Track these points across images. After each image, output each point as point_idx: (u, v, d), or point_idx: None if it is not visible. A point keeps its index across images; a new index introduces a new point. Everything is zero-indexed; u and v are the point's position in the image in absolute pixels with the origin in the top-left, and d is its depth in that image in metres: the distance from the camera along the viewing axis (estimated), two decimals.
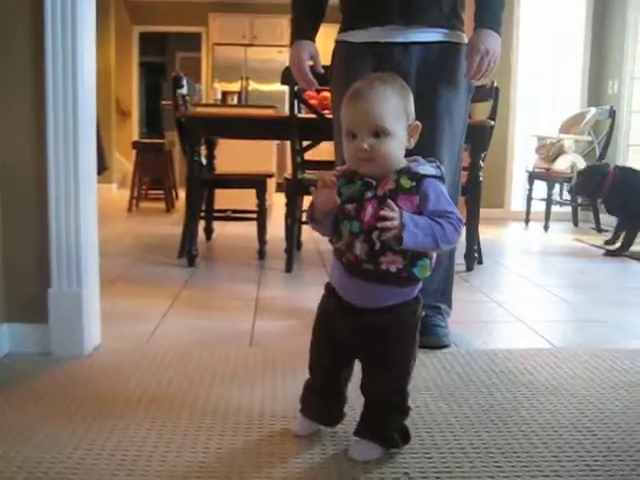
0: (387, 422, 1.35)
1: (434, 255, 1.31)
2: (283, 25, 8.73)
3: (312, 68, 2.20)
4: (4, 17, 1.85)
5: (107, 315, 2.15)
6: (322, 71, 2.20)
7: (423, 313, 1.39)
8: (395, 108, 1.27)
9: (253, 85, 8.80)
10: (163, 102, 7.58)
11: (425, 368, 1.91)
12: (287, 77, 3.10)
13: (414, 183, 1.26)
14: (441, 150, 2.12)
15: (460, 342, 2.19)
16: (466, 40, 2.14)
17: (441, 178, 1.29)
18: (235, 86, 8.54)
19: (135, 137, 8.77)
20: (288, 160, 7.54)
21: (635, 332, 2.40)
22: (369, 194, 1.27)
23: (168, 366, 1.87)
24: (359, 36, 2.12)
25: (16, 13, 1.85)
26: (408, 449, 1.38)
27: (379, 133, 1.25)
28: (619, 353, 2.09)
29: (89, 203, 1.97)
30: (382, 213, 1.19)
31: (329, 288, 1.40)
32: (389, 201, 1.22)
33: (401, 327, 1.33)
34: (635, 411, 1.63)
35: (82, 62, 1.88)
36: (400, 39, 2.07)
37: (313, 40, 2.22)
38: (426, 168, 1.28)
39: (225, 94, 7.00)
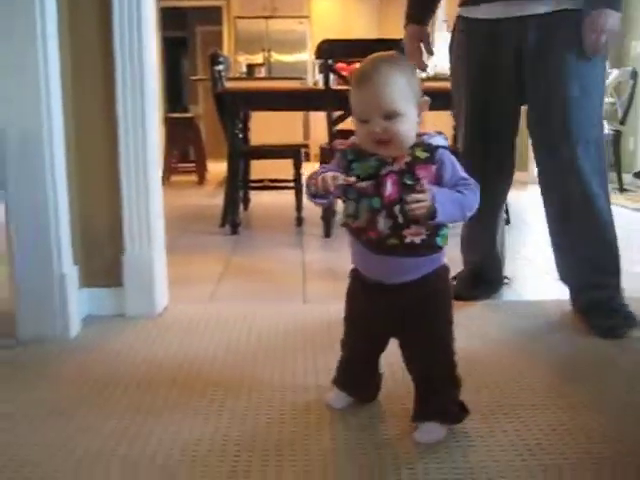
0: (443, 399, 1.35)
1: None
2: None
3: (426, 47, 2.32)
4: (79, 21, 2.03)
5: (168, 279, 2.34)
6: (432, 53, 2.32)
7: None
8: (403, 89, 1.25)
9: (275, 56, 8.92)
10: (194, 77, 7.73)
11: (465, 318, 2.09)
12: (322, 51, 3.26)
13: (428, 154, 1.27)
14: (575, 121, 2.02)
15: (495, 294, 2.38)
16: None
17: (449, 148, 1.30)
18: (258, 58, 8.67)
19: (160, 112, 8.93)
20: (313, 130, 7.67)
21: None
22: (386, 169, 1.27)
23: (234, 324, 2.06)
24: (473, 12, 2.14)
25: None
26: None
27: (390, 116, 1.24)
28: None
29: (155, 175, 2.16)
30: (414, 196, 1.20)
31: (353, 274, 1.41)
32: (422, 181, 1.23)
33: (436, 297, 1.34)
34: None
35: (146, 45, 2.06)
36: (514, 13, 2.04)
37: (424, 23, 2.31)
38: (438, 140, 1.29)
39: (251, 67, 7.14)
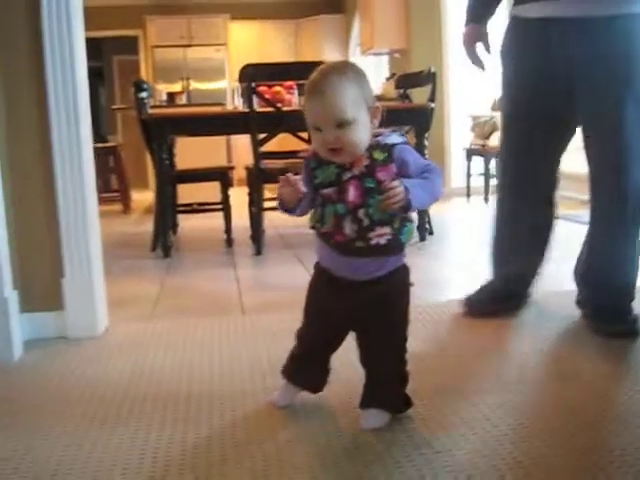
0: (392, 390, 1.44)
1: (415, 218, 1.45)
2: (219, 25, 8.99)
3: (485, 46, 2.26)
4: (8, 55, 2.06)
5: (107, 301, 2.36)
6: (490, 52, 2.26)
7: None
8: (353, 97, 1.28)
9: (194, 84, 8.98)
10: (115, 107, 7.70)
11: None
12: (244, 75, 3.36)
13: (386, 154, 1.31)
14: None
15: (426, 297, 2.50)
16: None
17: (406, 143, 1.35)
18: (177, 86, 8.69)
19: None
20: (234, 154, 7.74)
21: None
22: (347, 175, 1.32)
23: (176, 338, 2.11)
24: (530, 11, 2.03)
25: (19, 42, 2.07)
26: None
27: (342, 124, 1.27)
28: (559, 295, 2.41)
29: (92, 201, 2.19)
30: (389, 184, 1.25)
31: (319, 268, 1.45)
32: (385, 182, 1.27)
33: (396, 295, 1.40)
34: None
35: (79, 72, 2.10)
36: (573, 13, 1.92)
37: (484, 22, 2.24)
38: (393, 138, 1.33)
39: (172, 95, 7.17)
